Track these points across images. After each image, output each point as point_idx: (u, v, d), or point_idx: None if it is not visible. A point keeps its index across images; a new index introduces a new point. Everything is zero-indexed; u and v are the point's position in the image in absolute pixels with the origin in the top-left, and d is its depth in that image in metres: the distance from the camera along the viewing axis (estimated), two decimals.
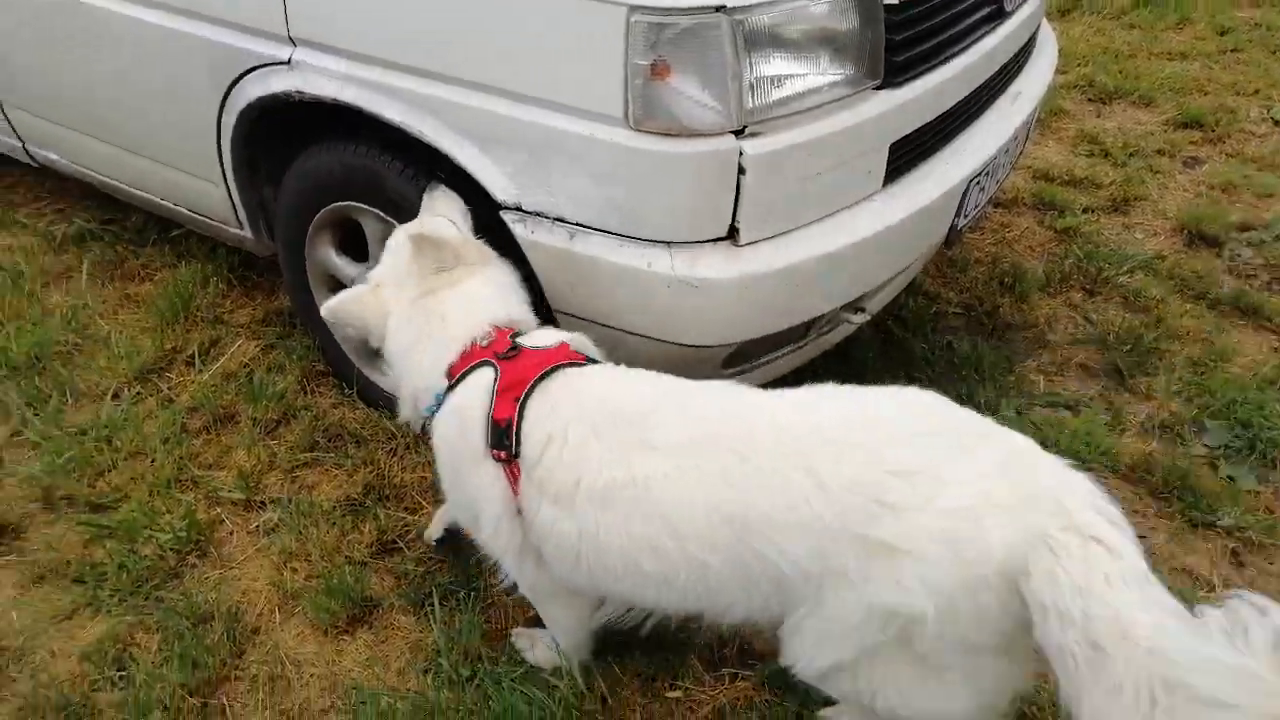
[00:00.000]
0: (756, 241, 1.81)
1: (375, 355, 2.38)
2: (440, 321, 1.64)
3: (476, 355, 1.60)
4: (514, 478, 1.50)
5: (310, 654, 1.87)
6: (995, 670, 1.33)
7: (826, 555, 1.29)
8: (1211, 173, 3.62)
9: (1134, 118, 4.09)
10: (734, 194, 1.74)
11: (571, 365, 1.57)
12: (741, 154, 1.70)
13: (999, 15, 2.22)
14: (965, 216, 2.22)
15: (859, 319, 2.12)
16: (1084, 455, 2.23)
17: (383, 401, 2.40)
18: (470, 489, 1.57)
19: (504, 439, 1.49)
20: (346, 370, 2.46)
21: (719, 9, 1.61)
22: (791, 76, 1.73)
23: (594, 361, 1.64)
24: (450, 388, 1.60)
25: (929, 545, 1.24)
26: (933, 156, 2.09)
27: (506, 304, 1.71)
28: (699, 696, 1.82)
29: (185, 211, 2.63)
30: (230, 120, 2.21)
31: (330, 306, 1.73)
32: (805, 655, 1.39)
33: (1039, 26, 2.67)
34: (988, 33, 2.17)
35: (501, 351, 1.58)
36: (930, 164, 2.07)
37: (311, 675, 1.83)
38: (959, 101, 2.08)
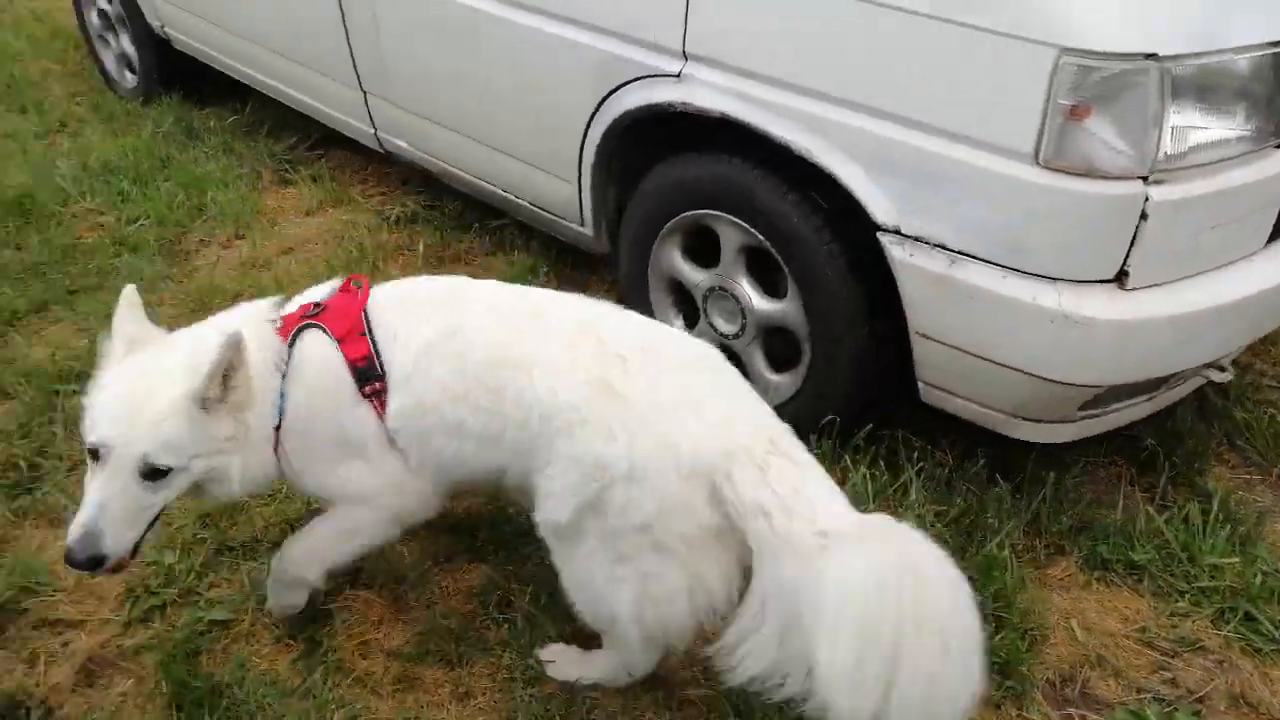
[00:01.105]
0: (1144, 287, 1.82)
1: None
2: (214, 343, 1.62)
3: (288, 328, 1.75)
4: (381, 408, 1.72)
5: None
6: (666, 583, 1.54)
7: (561, 395, 1.55)
8: None
9: None
10: (1130, 238, 1.77)
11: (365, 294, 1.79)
12: (1147, 200, 1.72)
13: None
14: None
15: (1221, 377, 2.09)
16: None
17: None
18: (351, 436, 1.75)
19: (369, 373, 1.70)
20: None
21: (1150, 56, 1.65)
22: (1204, 128, 1.75)
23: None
24: (284, 374, 1.73)
25: (645, 412, 1.50)
26: None
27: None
28: None
29: (526, 204, 2.85)
30: (601, 125, 2.40)
31: None
32: (541, 510, 1.64)
33: None
34: None
35: (308, 314, 1.75)
36: None
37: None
38: None
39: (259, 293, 2.96)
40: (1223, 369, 2.10)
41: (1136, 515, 2.31)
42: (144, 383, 1.60)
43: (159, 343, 1.72)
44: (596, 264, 3.16)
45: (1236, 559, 2.16)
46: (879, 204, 1.96)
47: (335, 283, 1.85)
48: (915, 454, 2.38)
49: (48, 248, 3.27)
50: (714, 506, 1.48)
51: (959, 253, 1.90)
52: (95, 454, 1.56)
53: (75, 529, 1.55)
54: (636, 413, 1.52)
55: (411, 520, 1.89)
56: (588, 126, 2.44)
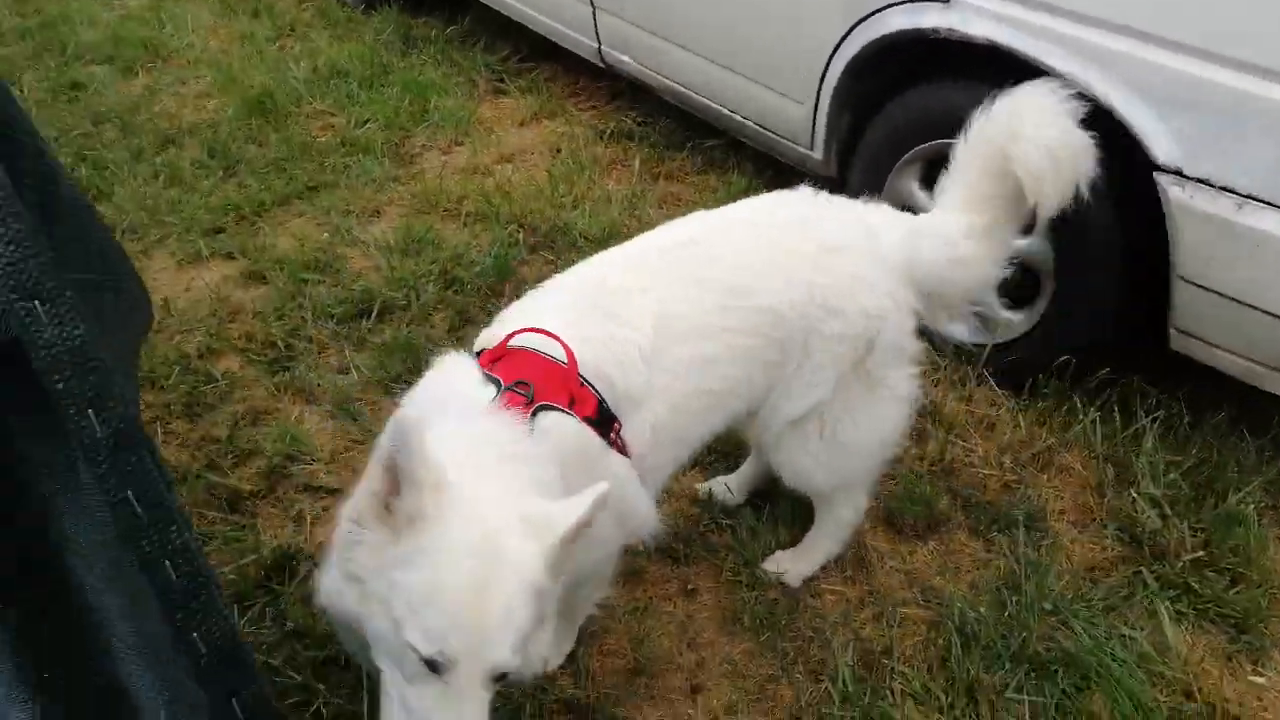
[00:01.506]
0: None
1: None
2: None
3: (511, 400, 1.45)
4: (621, 446, 1.54)
5: (886, 548, 2.06)
6: (912, 379, 1.78)
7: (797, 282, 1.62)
8: None
9: None
10: None
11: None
12: None
13: None
14: None
15: None
16: None
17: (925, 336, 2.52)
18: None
19: (605, 425, 1.51)
20: None
21: None
22: None
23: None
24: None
25: (857, 261, 1.65)
26: None
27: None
28: None
29: (753, 125, 2.85)
30: (852, 48, 2.37)
31: None
32: (785, 409, 1.70)
33: None
34: None
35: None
36: None
37: (891, 567, 2.02)
38: None
39: (483, 200, 3.12)
40: None
41: None
42: (484, 568, 1.20)
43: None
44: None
45: None
46: (1161, 143, 1.88)
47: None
48: (1152, 402, 2.33)
49: (286, 145, 3.47)
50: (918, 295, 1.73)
51: (1249, 197, 1.81)
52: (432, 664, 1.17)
53: None
54: (852, 262, 1.65)
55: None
56: (835, 50, 2.41)
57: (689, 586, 2.00)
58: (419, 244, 2.91)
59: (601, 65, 3.40)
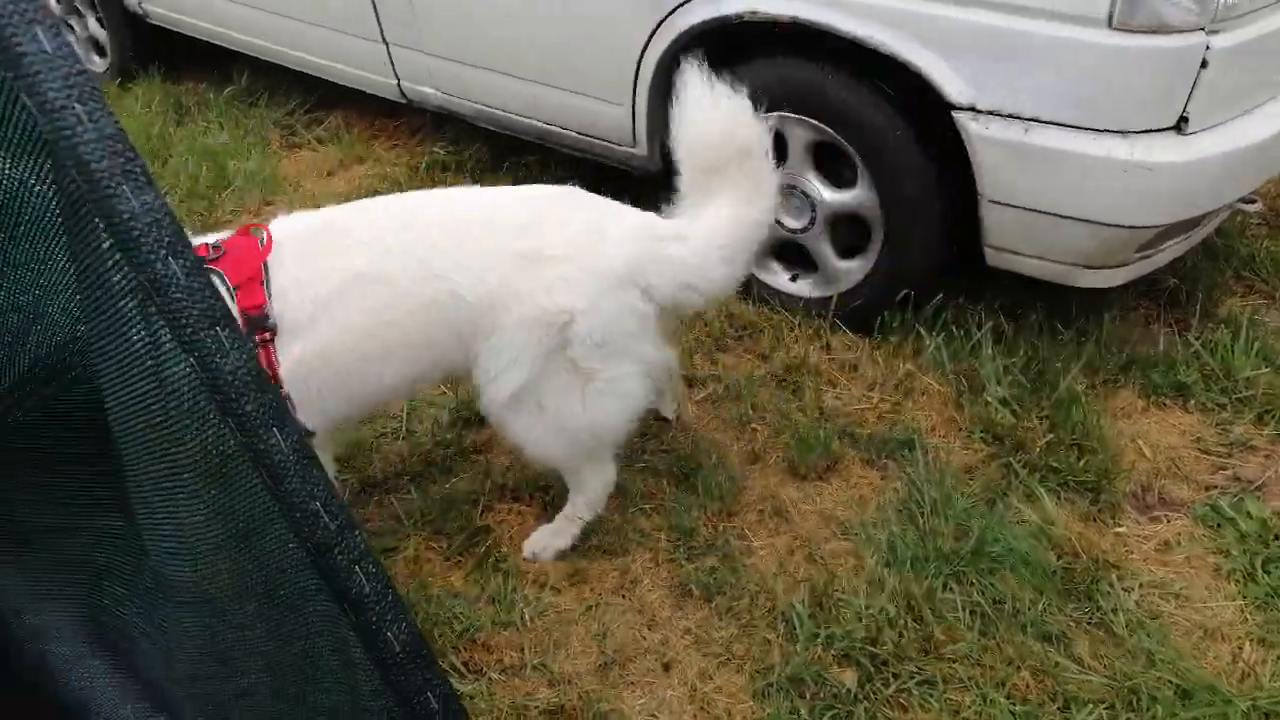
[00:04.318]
0: (1200, 130, 2.05)
1: (768, 256, 2.71)
2: None
3: None
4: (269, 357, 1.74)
5: (797, 495, 2.21)
6: (630, 378, 1.87)
7: (491, 275, 1.75)
8: None
9: None
10: (1190, 86, 1.98)
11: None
12: (1207, 49, 1.93)
13: None
14: None
15: (1253, 208, 2.36)
16: None
17: (775, 299, 2.71)
18: None
19: (255, 327, 1.71)
20: None
21: None
22: None
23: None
24: None
25: (565, 251, 1.76)
26: None
27: None
28: (1140, 533, 2.11)
29: (572, 133, 2.95)
30: (661, 44, 2.51)
31: None
32: (493, 384, 1.83)
33: None
34: None
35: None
36: None
37: (805, 510, 2.17)
38: None
39: None
40: (1252, 200, 2.36)
41: (1174, 346, 2.60)
42: None
43: None
44: (633, 184, 3.27)
45: (1266, 370, 2.47)
46: (953, 85, 2.14)
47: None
48: (980, 316, 2.62)
49: None
50: (645, 300, 1.83)
51: (1033, 119, 2.09)
52: None
53: None
54: (562, 257, 1.78)
55: None
56: (644, 48, 2.54)
57: (631, 575, 2.08)
58: None
59: (403, 101, 3.39)
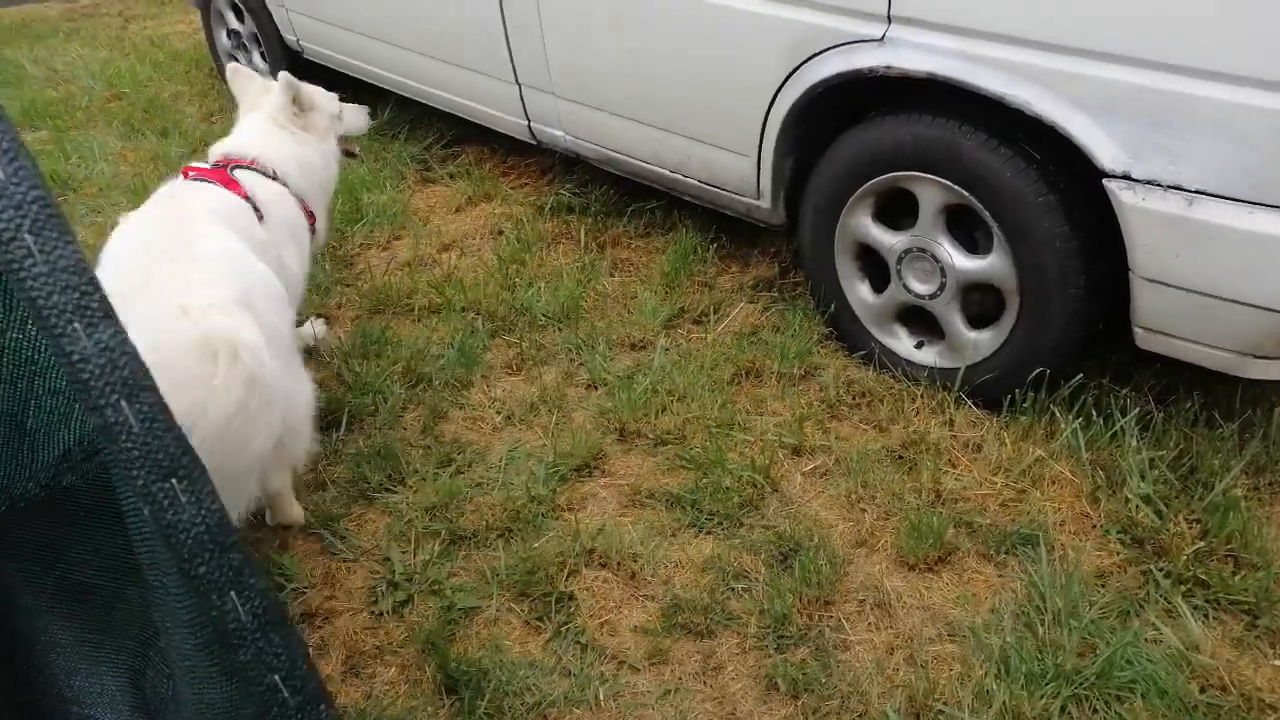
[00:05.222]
0: None
1: (893, 320, 2.55)
2: None
3: None
4: None
5: (903, 586, 2.04)
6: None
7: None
8: None
9: None
10: None
11: None
12: None
13: None
14: None
15: None
16: None
17: (897, 367, 2.55)
18: None
19: None
20: (856, 335, 2.63)
21: None
22: None
23: None
24: None
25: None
26: None
27: None
28: None
29: (694, 183, 2.88)
30: (789, 97, 2.41)
31: None
32: None
33: None
34: None
35: None
36: None
37: (911, 605, 2.00)
38: None
39: (434, 291, 3.08)
40: None
41: None
42: None
43: None
44: (760, 236, 3.18)
45: None
46: (1106, 150, 1.94)
47: None
48: (1126, 401, 2.38)
49: None
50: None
51: (1197, 192, 1.88)
52: None
53: None
54: None
55: None
56: (773, 99, 2.45)
57: (715, 660, 1.96)
58: (377, 345, 2.85)
59: (533, 142, 3.41)
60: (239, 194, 2.29)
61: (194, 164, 2.40)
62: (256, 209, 2.30)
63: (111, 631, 1.13)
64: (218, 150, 2.50)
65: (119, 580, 1.10)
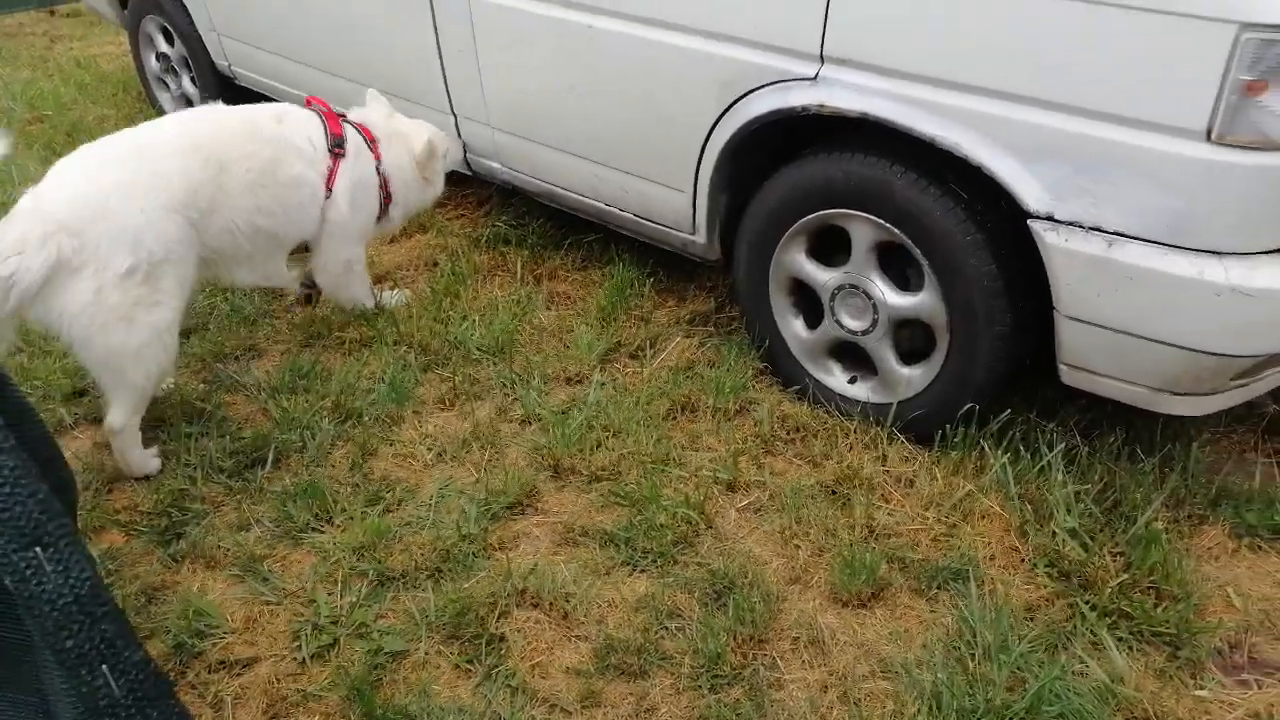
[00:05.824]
0: None
1: (826, 355, 2.57)
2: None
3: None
4: None
5: (836, 623, 2.03)
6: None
7: None
8: None
9: None
10: None
11: None
12: None
13: None
14: None
15: None
16: None
17: (831, 402, 2.56)
18: None
19: None
20: (790, 370, 2.64)
21: None
22: None
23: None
24: None
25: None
26: None
27: None
28: (1226, 698, 1.87)
29: (631, 217, 2.88)
30: (725, 132, 2.42)
31: None
32: None
33: None
34: None
35: None
36: None
37: (844, 642, 1.99)
38: None
39: (366, 324, 3.01)
40: None
41: (1272, 480, 2.35)
42: None
43: None
44: (696, 271, 3.19)
45: None
46: (1031, 192, 1.98)
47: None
48: (1052, 436, 2.42)
49: None
50: None
51: (1117, 234, 1.92)
52: None
53: None
54: None
55: None
56: (708, 135, 2.46)
57: (648, 702, 1.92)
58: (306, 380, 2.78)
59: (469, 173, 3.38)
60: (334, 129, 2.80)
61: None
62: (341, 145, 2.78)
63: (20, 687, 1.07)
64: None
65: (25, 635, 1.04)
